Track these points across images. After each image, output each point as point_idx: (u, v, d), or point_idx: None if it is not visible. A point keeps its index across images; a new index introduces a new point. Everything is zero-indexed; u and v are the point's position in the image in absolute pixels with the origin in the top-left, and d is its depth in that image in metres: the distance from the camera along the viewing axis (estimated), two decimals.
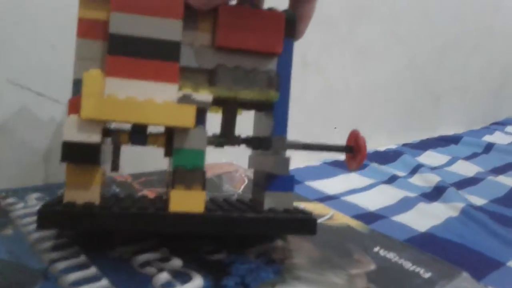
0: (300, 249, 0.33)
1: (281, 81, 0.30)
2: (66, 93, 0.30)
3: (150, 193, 0.34)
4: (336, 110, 0.71)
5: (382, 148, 0.79)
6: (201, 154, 0.28)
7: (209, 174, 0.50)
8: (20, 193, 0.37)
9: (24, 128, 0.42)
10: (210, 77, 0.29)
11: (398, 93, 0.82)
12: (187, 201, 0.27)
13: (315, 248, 0.34)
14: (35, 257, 0.27)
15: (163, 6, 0.27)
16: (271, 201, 0.30)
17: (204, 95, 0.27)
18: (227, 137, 0.30)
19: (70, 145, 0.25)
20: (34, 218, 0.32)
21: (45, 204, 0.26)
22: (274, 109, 0.30)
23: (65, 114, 0.38)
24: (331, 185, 0.56)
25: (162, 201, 0.29)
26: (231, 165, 0.53)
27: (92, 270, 0.26)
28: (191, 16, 0.28)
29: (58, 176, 0.42)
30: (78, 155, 0.26)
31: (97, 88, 0.25)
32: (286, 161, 0.29)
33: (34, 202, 0.35)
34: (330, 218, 0.40)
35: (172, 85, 0.27)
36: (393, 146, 0.83)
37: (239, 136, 0.31)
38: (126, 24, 0.26)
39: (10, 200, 0.36)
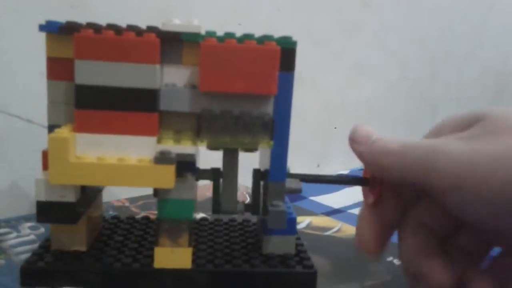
0: None
1: (278, 124, 0.26)
2: None
3: (150, 215, 0.32)
4: (334, 125, 0.70)
5: None
6: (189, 204, 0.25)
7: (209, 193, 0.48)
8: (13, 222, 0.35)
9: (14, 155, 0.40)
10: (196, 121, 0.25)
11: (394, 106, 0.81)
12: (172, 257, 0.25)
13: (326, 262, 0.33)
14: None
15: (136, 49, 0.23)
16: (271, 245, 0.28)
17: (187, 148, 0.24)
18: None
19: (43, 205, 0.23)
20: (27, 247, 0.31)
21: (27, 260, 0.25)
22: (270, 155, 0.27)
23: None
24: (336, 199, 0.54)
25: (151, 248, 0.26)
26: None
27: None
28: (173, 47, 0.24)
29: None
30: (54, 215, 0.24)
31: (64, 152, 0.22)
32: (283, 214, 0.26)
33: (27, 231, 0.34)
34: (338, 231, 0.39)
35: (150, 138, 0.24)
36: None
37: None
38: (93, 73, 0.23)
39: (2, 230, 0.34)
